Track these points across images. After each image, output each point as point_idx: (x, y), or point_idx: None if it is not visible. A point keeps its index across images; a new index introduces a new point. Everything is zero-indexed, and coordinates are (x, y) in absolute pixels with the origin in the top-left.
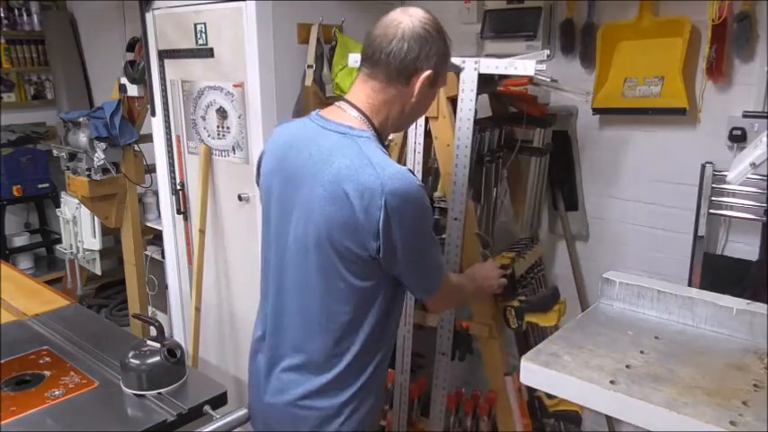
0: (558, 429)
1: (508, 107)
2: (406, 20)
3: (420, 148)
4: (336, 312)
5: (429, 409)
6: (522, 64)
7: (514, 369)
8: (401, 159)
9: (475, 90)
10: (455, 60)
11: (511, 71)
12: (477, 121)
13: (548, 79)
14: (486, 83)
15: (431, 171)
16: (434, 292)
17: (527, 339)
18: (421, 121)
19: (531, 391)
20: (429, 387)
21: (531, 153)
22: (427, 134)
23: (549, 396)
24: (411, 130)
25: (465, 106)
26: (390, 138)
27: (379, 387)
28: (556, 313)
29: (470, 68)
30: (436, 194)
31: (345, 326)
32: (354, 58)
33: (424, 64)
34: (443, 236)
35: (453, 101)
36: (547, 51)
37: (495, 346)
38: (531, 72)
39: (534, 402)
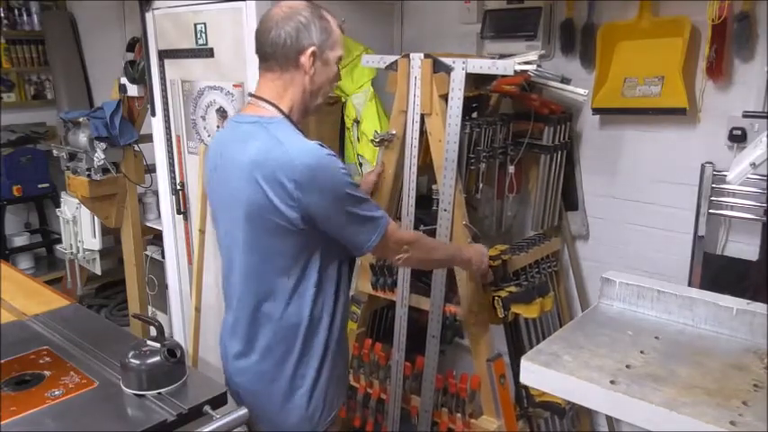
0: (544, 418)
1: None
2: (277, 11)
3: (416, 143)
4: (278, 285)
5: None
6: (502, 64)
7: (499, 356)
8: (401, 154)
9: (462, 89)
10: (446, 60)
11: (493, 71)
12: (478, 118)
13: (558, 77)
14: (486, 81)
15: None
16: (372, 247)
17: (518, 331)
18: (417, 117)
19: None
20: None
21: (539, 150)
22: (424, 131)
23: None
24: (409, 126)
25: (454, 104)
26: (393, 132)
27: (338, 359)
28: (537, 306)
29: (459, 68)
30: (434, 186)
31: (290, 299)
32: (366, 59)
33: (305, 42)
34: (435, 226)
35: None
36: (540, 51)
37: (480, 332)
38: (510, 72)
39: (521, 391)
